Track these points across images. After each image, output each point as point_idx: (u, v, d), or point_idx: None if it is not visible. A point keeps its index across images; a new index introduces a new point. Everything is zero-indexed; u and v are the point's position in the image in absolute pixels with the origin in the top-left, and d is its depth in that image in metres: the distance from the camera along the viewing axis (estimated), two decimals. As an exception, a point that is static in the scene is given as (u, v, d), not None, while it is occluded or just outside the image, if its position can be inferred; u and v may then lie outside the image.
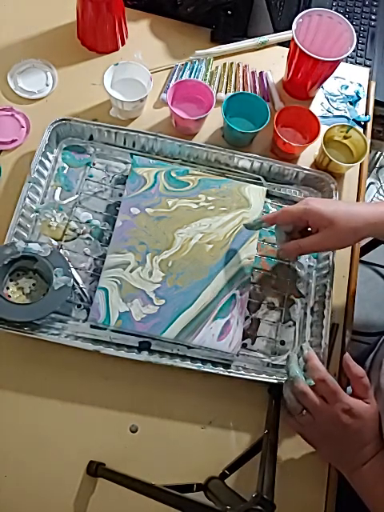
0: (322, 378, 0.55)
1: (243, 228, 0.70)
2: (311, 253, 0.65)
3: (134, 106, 0.76)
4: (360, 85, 0.88)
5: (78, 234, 0.72)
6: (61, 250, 0.70)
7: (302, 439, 0.59)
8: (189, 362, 0.65)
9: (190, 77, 0.83)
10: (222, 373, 0.64)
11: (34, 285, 0.67)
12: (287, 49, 0.81)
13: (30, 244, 0.65)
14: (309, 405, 0.55)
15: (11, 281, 0.67)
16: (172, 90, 0.76)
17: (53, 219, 0.72)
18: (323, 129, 0.77)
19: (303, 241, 0.62)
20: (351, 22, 0.77)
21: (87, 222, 0.73)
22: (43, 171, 0.73)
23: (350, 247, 0.77)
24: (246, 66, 0.86)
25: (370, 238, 1.31)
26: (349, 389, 0.59)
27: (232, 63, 0.86)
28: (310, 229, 0.65)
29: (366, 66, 0.98)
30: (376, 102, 0.89)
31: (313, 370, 0.56)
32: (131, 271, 0.67)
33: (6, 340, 0.66)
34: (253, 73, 0.86)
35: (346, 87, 0.87)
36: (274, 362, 0.68)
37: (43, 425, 0.64)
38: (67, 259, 0.67)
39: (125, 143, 0.77)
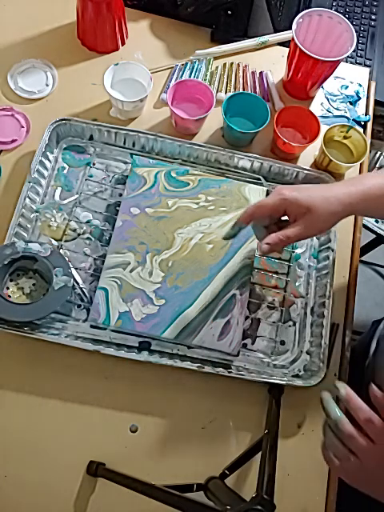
0: (369, 417, 0.48)
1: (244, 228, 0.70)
2: (295, 242, 0.61)
3: (134, 105, 0.76)
4: (360, 85, 0.88)
5: (78, 234, 0.72)
6: (61, 250, 0.70)
7: (302, 438, 0.59)
8: (189, 362, 0.65)
9: (190, 77, 0.83)
10: (222, 373, 0.64)
11: (34, 285, 0.67)
12: (287, 49, 0.81)
13: (30, 244, 0.65)
14: (357, 448, 0.48)
15: (11, 281, 0.67)
16: (172, 89, 0.76)
17: (53, 219, 0.72)
18: (323, 129, 0.77)
19: (287, 231, 0.58)
20: (351, 22, 0.77)
21: (87, 222, 0.73)
22: (43, 171, 0.73)
23: (350, 247, 0.77)
24: (246, 66, 0.86)
25: (370, 238, 1.31)
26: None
27: (232, 63, 0.86)
28: (284, 218, 0.61)
29: (366, 65, 0.98)
30: (376, 102, 0.89)
31: (356, 410, 0.49)
32: (131, 271, 0.67)
33: (6, 340, 0.66)
34: (253, 73, 0.86)
35: (346, 87, 0.87)
36: (274, 362, 0.68)
37: (43, 425, 0.64)
38: (67, 259, 0.67)
39: (125, 143, 0.77)
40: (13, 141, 0.76)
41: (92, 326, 0.67)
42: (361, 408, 0.49)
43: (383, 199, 0.57)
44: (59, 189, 0.74)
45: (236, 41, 0.87)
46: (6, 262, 0.64)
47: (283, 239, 0.59)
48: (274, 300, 0.72)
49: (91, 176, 0.75)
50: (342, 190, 0.57)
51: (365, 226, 1.24)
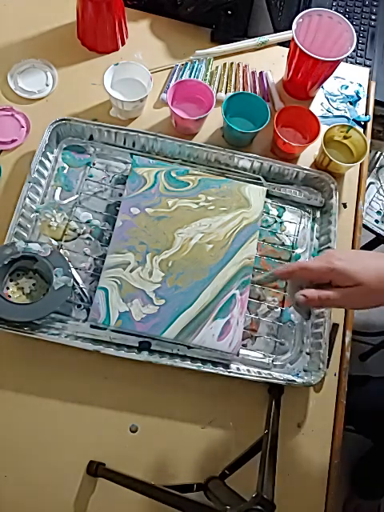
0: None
1: (244, 228, 0.70)
2: (331, 307, 0.57)
3: (134, 105, 0.76)
4: (360, 85, 0.88)
5: (78, 234, 0.72)
6: (61, 250, 0.70)
7: (302, 438, 0.59)
8: (189, 362, 0.65)
9: (190, 77, 0.83)
10: (222, 373, 0.64)
11: (34, 285, 0.67)
12: (287, 49, 0.81)
13: (30, 244, 0.65)
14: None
15: (11, 281, 0.67)
16: (172, 89, 0.76)
17: (53, 219, 0.72)
18: (323, 129, 0.77)
19: (330, 293, 0.52)
20: (351, 22, 0.77)
21: (87, 222, 0.73)
22: (43, 171, 0.73)
23: (350, 247, 0.77)
24: (246, 66, 0.86)
25: (370, 238, 1.31)
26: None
27: (232, 63, 0.86)
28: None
29: (365, 65, 0.98)
30: (376, 102, 0.89)
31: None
32: (131, 271, 0.67)
33: (6, 340, 0.66)
34: (253, 73, 0.86)
35: (346, 87, 0.87)
36: (274, 362, 0.68)
37: (43, 425, 0.64)
38: (67, 259, 0.67)
39: (125, 143, 0.77)
40: (13, 141, 0.76)
41: (92, 326, 0.67)
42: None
43: None
44: (59, 189, 0.74)
45: (236, 41, 0.87)
46: (5, 262, 0.64)
47: (323, 299, 0.52)
48: (274, 300, 0.72)
49: (91, 176, 0.75)
50: None
51: (365, 226, 1.24)
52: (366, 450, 1.19)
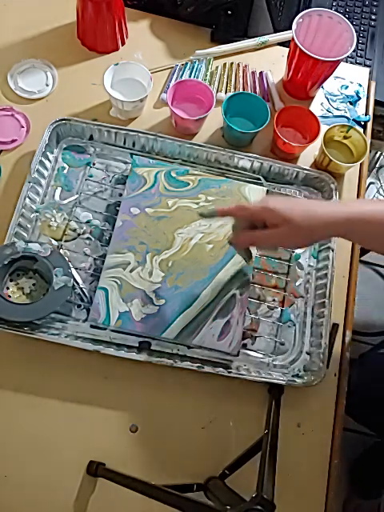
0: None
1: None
2: (264, 247, 0.62)
3: (134, 105, 0.76)
4: (360, 85, 0.88)
5: (78, 234, 0.72)
6: (61, 250, 0.70)
7: (302, 438, 0.59)
8: (189, 362, 0.64)
9: (190, 77, 0.83)
10: (221, 373, 0.64)
11: (34, 285, 0.67)
12: (287, 49, 0.81)
13: (29, 244, 0.65)
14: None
15: (11, 281, 0.67)
16: (172, 89, 0.76)
17: (53, 219, 0.72)
18: (323, 129, 0.77)
19: (257, 233, 0.58)
20: (351, 22, 0.77)
21: (87, 221, 0.73)
22: (43, 171, 0.73)
23: (350, 247, 0.77)
24: (246, 66, 0.86)
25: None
26: None
27: (232, 63, 0.86)
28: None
29: (365, 65, 0.98)
30: (376, 102, 0.89)
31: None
32: (131, 271, 0.67)
33: (6, 340, 0.66)
34: (253, 73, 0.86)
35: (346, 87, 0.87)
36: (274, 362, 0.68)
37: (43, 425, 0.64)
38: (67, 259, 0.67)
39: (125, 143, 0.77)
40: (13, 141, 0.76)
41: (92, 326, 0.67)
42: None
43: (368, 226, 0.54)
44: (59, 189, 0.74)
45: (236, 41, 0.87)
46: (5, 262, 0.64)
47: (249, 239, 0.59)
48: (274, 300, 0.72)
49: (91, 176, 0.75)
50: (327, 209, 0.56)
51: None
52: (364, 448, 1.19)
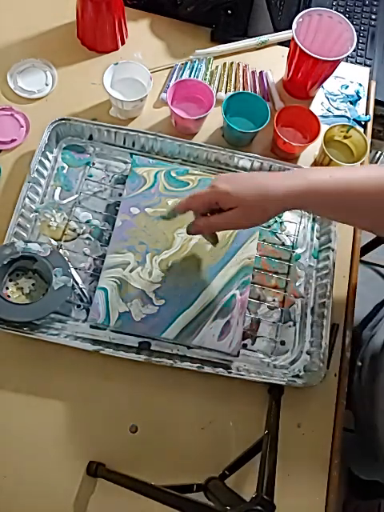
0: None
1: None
2: (223, 230, 0.63)
3: (134, 105, 0.76)
4: (360, 84, 0.88)
5: (78, 234, 0.72)
6: (60, 250, 0.70)
7: (302, 438, 0.59)
8: (189, 363, 0.64)
9: (189, 76, 0.83)
10: (221, 373, 0.64)
11: (33, 285, 0.67)
12: (287, 48, 0.80)
13: (29, 244, 0.65)
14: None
15: (11, 281, 0.67)
16: (172, 89, 0.76)
17: (52, 219, 0.72)
18: (323, 128, 0.77)
19: (212, 219, 0.59)
20: (351, 22, 0.77)
21: (87, 221, 0.73)
22: (43, 171, 0.73)
23: (350, 247, 0.77)
24: (246, 66, 0.86)
25: (370, 238, 1.30)
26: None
27: (232, 63, 0.86)
28: None
29: (366, 65, 0.98)
30: (376, 102, 0.89)
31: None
32: (131, 271, 0.67)
33: (5, 340, 0.66)
34: (253, 72, 0.86)
35: (347, 87, 0.87)
36: (274, 363, 0.68)
37: (43, 425, 0.64)
38: (67, 259, 0.67)
39: (124, 143, 0.76)
40: (12, 140, 0.76)
41: (92, 326, 0.67)
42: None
43: (322, 198, 0.54)
44: (59, 189, 0.74)
45: (236, 40, 0.87)
46: (5, 262, 0.64)
47: (207, 224, 0.60)
48: (274, 300, 0.72)
49: (91, 176, 0.75)
50: (281, 184, 0.54)
51: (365, 226, 1.24)
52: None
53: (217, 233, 0.65)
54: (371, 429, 0.69)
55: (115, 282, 0.66)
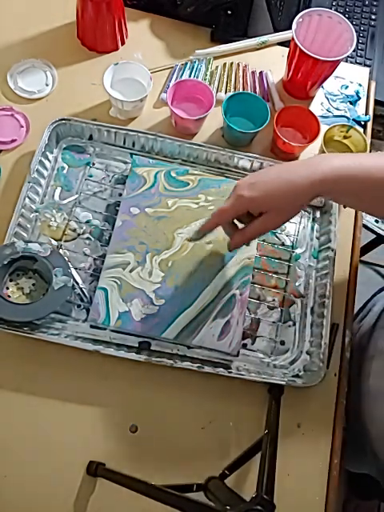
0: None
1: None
2: (259, 235, 0.62)
3: (134, 105, 0.76)
4: (360, 84, 0.88)
5: (78, 234, 0.72)
6: (60, 250, 0.70)
7: (302, 438, 0.59)
8: (189, 362, 0.64)
9: (189, 77, 0.83)
10: (221, 373, 0.64)
11: (33, 285, 0.67)
12: (287, 48, 0.80)
13: (29, 244, 0.65)
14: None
15: (11, 281, 0.67)
16: (172, 89, 0.76)
17: (52, 219, 0.72)
18: (323, 128, 0.77)
19: (247, 230, 0.59)
20: (351, 22, 0.77)
21: (87, 221, 0.73)
22: (43, 171, 0.73)
23: (350, 247, 0.77)
24: (245, 66, 0.86)
25: (370, 238, 1.31)
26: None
27: (232, 63, 0.86)
28: None
29: (365, 65, 0.98)
30: (376, 102, 0.89)
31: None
32: (131, 271, 0.67)
33: (5, 340, 0.66)
34: (253, 72, 0.86)
35: (346, 87, 0.87)
36: (274, 362, 0.68)
37: (43, 425, 0.64)
38: (67, 259, 0.67)
39: (124, 143, 0.77)
40: (12, 141, 0.76)
41: (92, 326, 0.67)
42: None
43: (347, 184, 0.53)
44: (59, 189, 0.74)
45: (236, 41, 0.87)
46: (5, 262, 0.64)
47: (243, 238, 0.60)
48: (273, 300, 0.72)
49: (91, 176, 0.75)
50: (306, 173, 0.53)
51: (365, 226, 1.24)
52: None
53: (217, 235, 0.65)
54: (359, 421, 0.70)
55: (115, 281, 0.66)
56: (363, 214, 0.85)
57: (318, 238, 0.76)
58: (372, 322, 0.76)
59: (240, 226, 0.62)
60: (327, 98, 0.86)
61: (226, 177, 0.76)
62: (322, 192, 0.55)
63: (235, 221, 0.62)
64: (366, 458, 0.73)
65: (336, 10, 0.98)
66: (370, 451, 0.70)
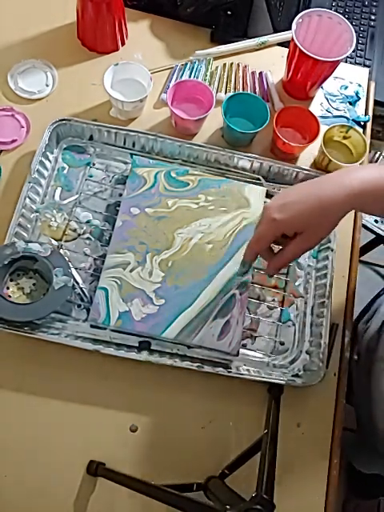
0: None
1: (243, 228, 0.70)
2: (300, 255, 0.59)
3: (134, 106, 0.76)
4: (359, 85, 0.88)
5: (78, 234, 0.72)
6: (61, 250, 0.70)
7: (302, 438, 0.59)
8: (189, 362, 0.65)
9: (189, 77, 0.83)
10: (221, 373, 0.64)
11: (34, 285, 0.67)
12: (287, 49, 0.81)
13: (30, 244, 0.65)
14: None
15: (11, 281, 0.67)
16: (172, 90, 0.76)
17: (53, 219, 0.72)
18: (323, 129, 0.77)
19: (285, 254, 0.57)
20: (351, 22, 0.77)
21: (87, 221, 0.73)
22: (43, 171, 0.73)
23: (350, 247, 0.77)
24: (245, 67, 0.86)
25: (370, 238, 1.31)
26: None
27: (232, 63, 0.86)
28: None
29: (365, 66, 0.98)
30: (375, 102, 0.89)
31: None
32: (131, 271, 0.67)
33: (6, 340, 0.66)
34: (253, 73, 0.86)
35: (346, 87, 0.87)
36: (273, 362, 0.68)
37: (43, 425, 0.64)
38: (67, 259, 0.67)
39: (125, 143, 0.77)
40: (13, 141, 0.76)
41: (92, 326, 0.67)
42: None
43: (376, 197, 0.53)
44: (59, 189, 0.74)
45: (236, 41, 0.87)
46: (6, 262, 0.64)
47: (282, 263, 0.58)
48: (273, 300, 0.72)
49: (91, 176, 0.75)
50: (337, 190, 0.53)
51: (364, 226, 1.24)
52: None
53: (217, 235, 0.65)
54: (370, 421, 0.70)
55: (115, 281, 0.66)
56: (363, 214, 0.85)
57: (317, 238, 0.76)
58: (379, 323, 0.76)
59: (275, 248, 0.60)
60: (327, 99, 0.87)
61: (226, 177, 0.76)
62: (355, 206, 0.54)
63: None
64: (378, 459, 0.73)
65: (336, 11, 0.98)
66: (381, 452, 0.70)
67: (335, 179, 0.54)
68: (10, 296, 0.65)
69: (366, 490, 1.17)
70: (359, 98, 0.87)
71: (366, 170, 0.55)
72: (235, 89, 0.84)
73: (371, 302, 0.87)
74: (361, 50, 1.01)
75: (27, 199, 0.70)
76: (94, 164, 0.76)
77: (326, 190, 0.53)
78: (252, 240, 0.58)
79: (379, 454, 0.71)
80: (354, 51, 0.99)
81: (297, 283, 0.73)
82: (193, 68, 0.85)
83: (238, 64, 0.86)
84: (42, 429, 0.64)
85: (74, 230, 0.72)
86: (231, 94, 0.77)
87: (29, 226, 0.70)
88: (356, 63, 0.99)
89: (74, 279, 0.69)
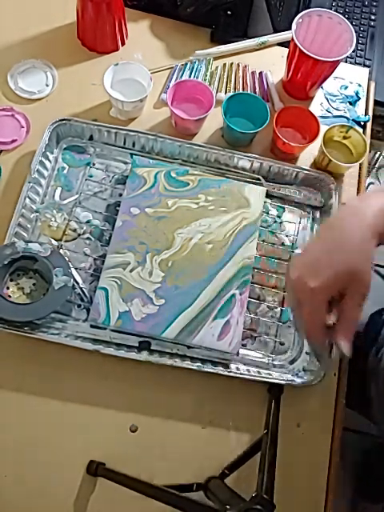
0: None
1: (243, 228, 0.70)
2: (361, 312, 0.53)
3: (134, 106, 0.76)
4: (359, 85, 0.88)
5: (78, 234, 0.72)
6: (61, 250, 0.70)
7: (302, 438, 0.59)
8: (189, 362, 0.65)
9: (189, 77, 0.83)
10: (221, 373, 0.64)
11: (34, 285, 0.67)
12: (287, 49, 0.81)
13: (30, 244, 0.65)
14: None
15: (11, 281, 0.67)
16: (172, 90, 0.76)
17: (53, 219, 0.72)
18: (323, 129, 0.77)
19: (347, 316, 0.50)
20: (351, 22, 0.77)
21: (87, 221, 0.73)
22: (43, 171, 0.73)
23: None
24: (245, 66, 0.86)
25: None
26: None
27: (232, 63, 0.86)
28: None
29: (365, 66, 0.98)
30: (375, 102, 0.89)
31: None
32: (131, 271, 0.67)
33: (6, 340, 0.66)
34: (253, 73, 0.86)
35: (346, 87, 0.87)
36: (273, 362, 0.68)
37: (43, 425, 0.64)
38: (67, 259, 0.67)
39: (125, 143, 0.77)
40: (13, 141, 0.76)
41: (92, 326, 0.67)
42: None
43: None
44: (59, 189, 0.74)
45: (236, 41, 0.87)
46: (6, 262, 0.64)
47: (352, 323, 0.51)
48: (273, 300, 0.72)
49: (91, 176, 0.76)
50: (362, 237, 0.49)
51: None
52: (366, 449, 1.19)
53: (217, 235, 0.64)
54: None
55: (115, 281, 0.66)
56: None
57: (317, 238, 0.76)
58: None
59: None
60: (327, 99, 0.86)
61: (226, 177, 0.76)
62: (378, 237, 0.50)
63: None
64: None
65: (336, 11, 0.98)
66: None
67: (354, 221, 0.51)
68: (10, 296, 0.65)
69: (374, 494, 1.17)
70: (359, 98, 0.87)
71: (377, 200, 0.51)
72: (235, 89, 0.84)
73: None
74: (361, 50, 1.01)
75: (27, 199, 0.70)
76: (93, 164, 0.76)
77: (352, 238, 0.50)
78: (307, 322, 0.50)
79: None
80: (354, 51, 0.99)
81: (297, 283, 0.73)
82: (193, 68, 0.85)
83: (238, 64, 0.86)
84: (41, 429, 0.64)
85: (74, 230, 0.72)
86: (231, 93, 0.77)
87: (29, 225, 0.71)
88: (356, 63, 0.99)
89: (74, 279, 0.69)
